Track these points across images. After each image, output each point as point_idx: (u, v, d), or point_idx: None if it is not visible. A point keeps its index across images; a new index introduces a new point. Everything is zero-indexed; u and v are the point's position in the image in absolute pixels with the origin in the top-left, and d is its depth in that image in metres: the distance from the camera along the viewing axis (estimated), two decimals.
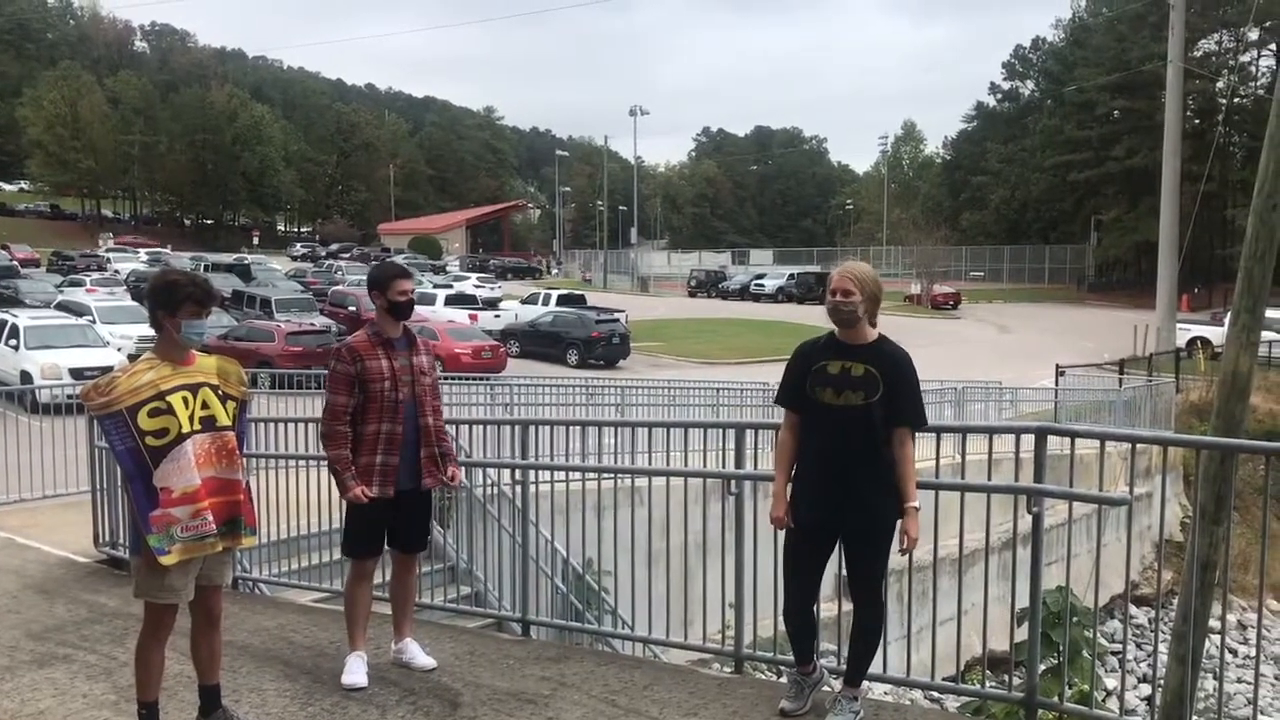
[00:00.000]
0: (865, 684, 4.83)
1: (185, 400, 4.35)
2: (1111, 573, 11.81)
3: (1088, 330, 47.86)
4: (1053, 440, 5.08)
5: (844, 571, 4.75)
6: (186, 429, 4.31)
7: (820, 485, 4.58)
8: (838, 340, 4.62)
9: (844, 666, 4.89)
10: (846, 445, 4.52)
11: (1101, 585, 5.71)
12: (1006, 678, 5.59)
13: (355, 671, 5.39)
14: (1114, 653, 15.67)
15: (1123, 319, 45.57)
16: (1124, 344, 36.18)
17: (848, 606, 4.81)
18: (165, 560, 4.28)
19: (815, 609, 4.85)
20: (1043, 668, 5.79)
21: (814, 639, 4.92)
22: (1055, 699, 5.25)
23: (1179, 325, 36.59)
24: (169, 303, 4.45)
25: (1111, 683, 13.16)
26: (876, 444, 4.52)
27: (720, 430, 6.11)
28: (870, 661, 4.77)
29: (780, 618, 4.98)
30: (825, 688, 4.93)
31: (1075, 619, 6.58)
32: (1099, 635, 11.49)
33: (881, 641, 4.72)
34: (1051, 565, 5.31)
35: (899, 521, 4.57)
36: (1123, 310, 55.07)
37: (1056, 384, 24.96)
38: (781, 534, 4.78)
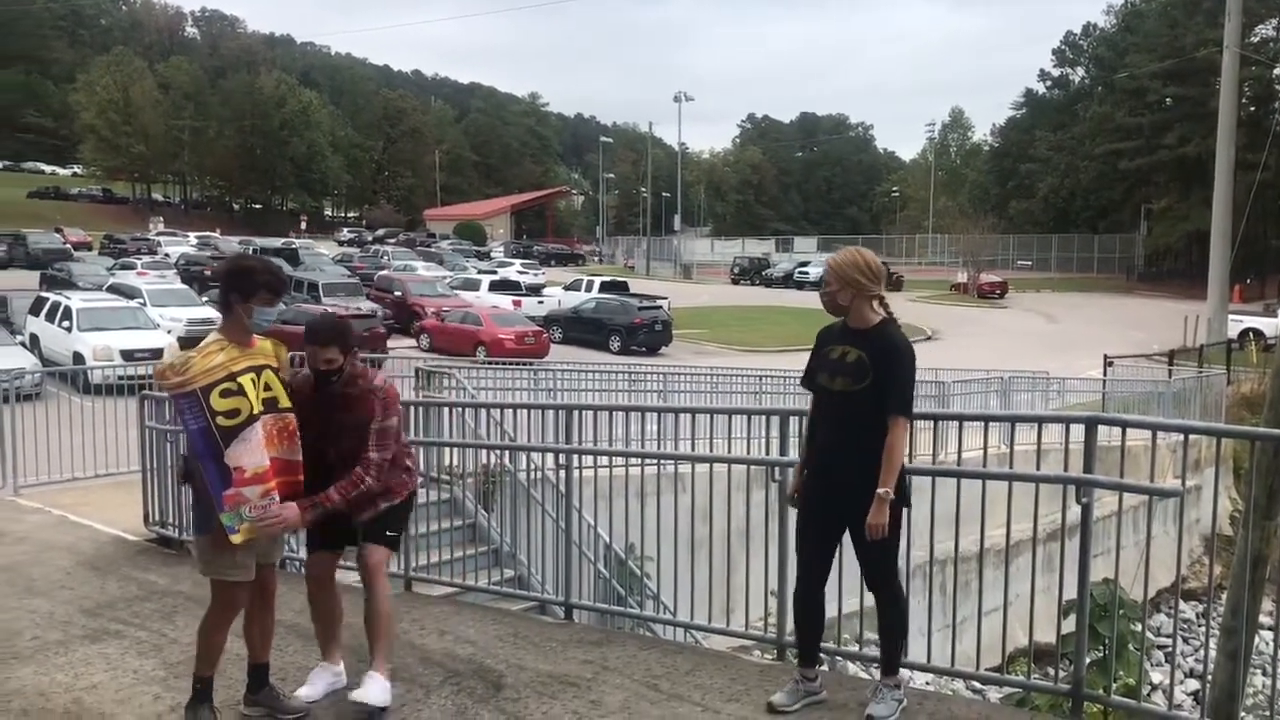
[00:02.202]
0: (906, 673, 4.80)
1: (253, 382, 4.42)
2: (1159, 566, 11.66)
3: (1137, 321, 47.19)
4: (1102, 431, 5.01)
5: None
6: (256, 410, 4.39)
7: (816, 469, 4.68)
8: (846, 325, 4.67)
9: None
10: (836, 430, 4.58)
11: (1149, 579, 5.63)
12: (1051, 669, 5.54)
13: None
14: (1161, 647, 15.49)
15: (1173, 309, 44.88)
16: (1174, 335, 35.63)
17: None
18: (234, 539, 4.35)
19: (823, 602, 4.82)
20: (1088, 660, 5.73)
21: (818, 636, 4.89)
22: (1101, 691, 5.19)
23: (1231, 316, 35.95)
24: (245, 288, 4.50)
25: (1158, 677, 13.02)
26: (861, 431, 4.49)
27: (763, 417, 6.09)
28: (900, 650, 4.76)
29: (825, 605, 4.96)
30: (821, 696, 4.88)
31: (1122, 612, 6.50)
32: (1147, 629, 11.36)
33: (926, 630, 4.69)
34: (1098, 557, 5.24)
35: (904, 510, 4.59)
36: (1173, 301, 54.20)
37: (1105, 375, 24.64)
38: None
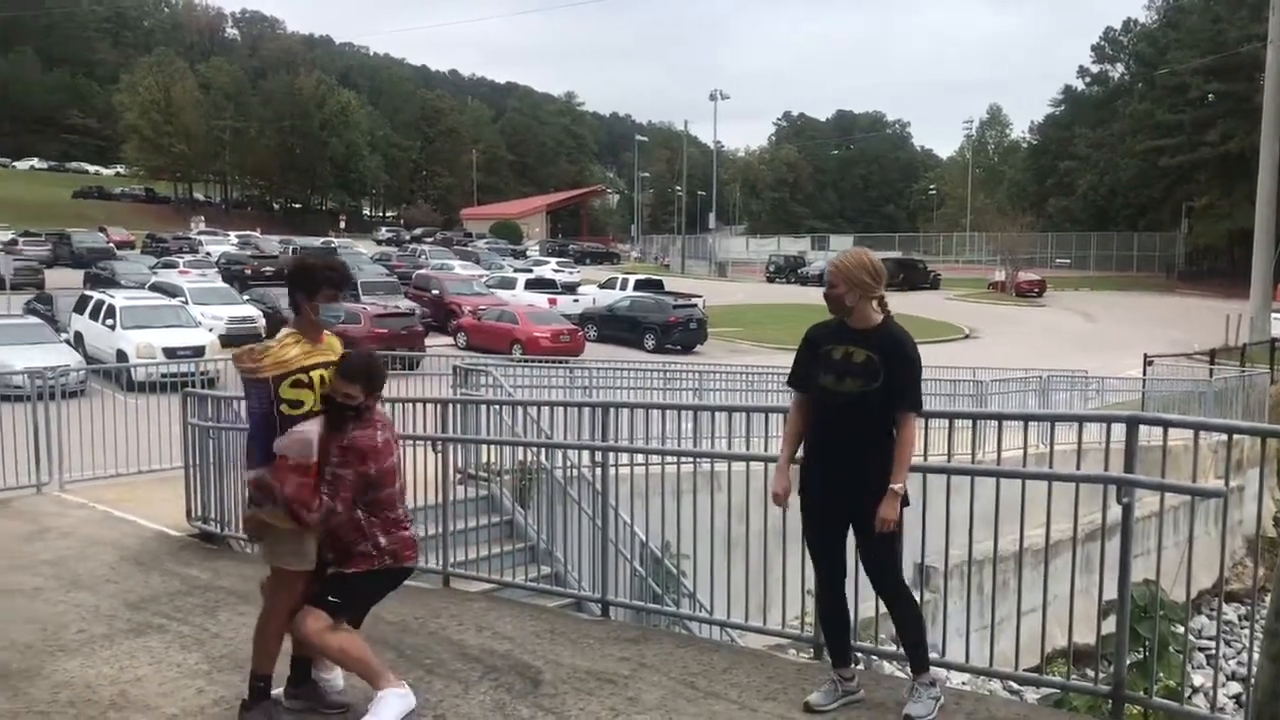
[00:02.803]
0: (943, 672, 4.79)
1: (321, 378, 4.54)
2: (1201, 567, 11.52)
3: (1177, 319, 46.61)
4: (1142, 430, 4.97)
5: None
6: (316, 406, 4.51)
7: (821, 469, 4.65)
8: (844, 325, 4.65)
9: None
10: (844, 431, 4.56)
11: (1191, 580, 5.57)
12: (1090, 670, 5.50)
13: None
14: (1203, 649, 15.32)
15: (1214, 308, 44.26)
16: (1215, 334, 35.15)
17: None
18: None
19: (845, 601, 4.84)
20: (1128, 662, 5.68)
21: (846, 635, 4.90)
22: (1142, 693, 5.15)
23: (1274, 315, 35.45)
24: (307, 286, 4.59)
25: (1200, 679, 12.88)
26: (875, 431, 4.52)
27: None
28: (924, 646, 4.73)
29: (859, 603, 4.96)
30: (859, 696, 4.86)
31: (1163, 613, 6.44)
32: (1188, 631, 11.23)
33: (964, 630, 4.67)
34: (1138, 558, 5.19)
35: (903, 508, 4.56)
36: (1215, 299, 53.44)
37: (1144, 374, 24.36)
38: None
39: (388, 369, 4.98)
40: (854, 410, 4.52)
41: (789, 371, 4.87)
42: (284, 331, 4.62)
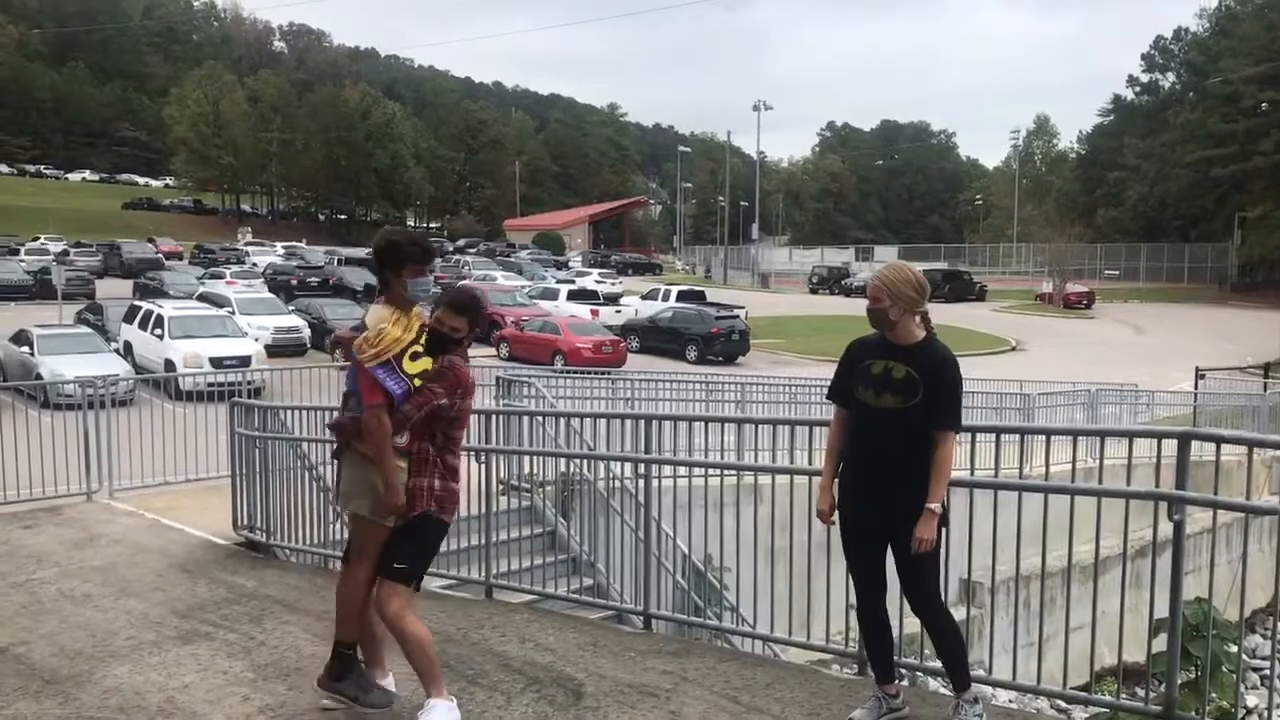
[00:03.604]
0: (988, 690, 4.73)
1: (423, 345, 4.71)
2: (1254, 586, 11.32)
3: (1230, 332, 45.88)
4: (1194, 445, 4.88)
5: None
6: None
7: (859, 485, 4.61)
8: (885, 340, 4.59)
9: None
10: (882, 447, 4.51)
11: (1245, 598, 5.46)
12: (1140, 690, 5.41)
13: None
14: (1257, 669, 15.03)
15: (1269, 320, 43.61)
16: (1269, 347, 34.61)
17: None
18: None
19: (887, 617, 4.79)
20: (1180, 681, 5.57)
21: (890, 651, 4.84)
22: (1194, 713, 5.05)
23: None
24: (394, 261, 4.71)
25: (1254, 700, 12.63)
26: (913, 447, 4.45)
27: None
28: (964, 664, 4.66)
29: (903, 619, 4.91)
30: (904, 713, 4.81)
31: (1216, 632, 6.32)
32: (1242, 650, 11.01)
33: (1011, 647, 4.61)
34: (1189, 575, 5.10)
35: (944, 529, 4.51)
36: (1269, 311, 52.61)
37: (1196, 388, 23.99)
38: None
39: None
40: (892, 426, 4.48)
41: (829, 385, 4.84)
42: (377, 311, 4.69)
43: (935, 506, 4.42)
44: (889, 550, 4.65)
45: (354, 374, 4.70)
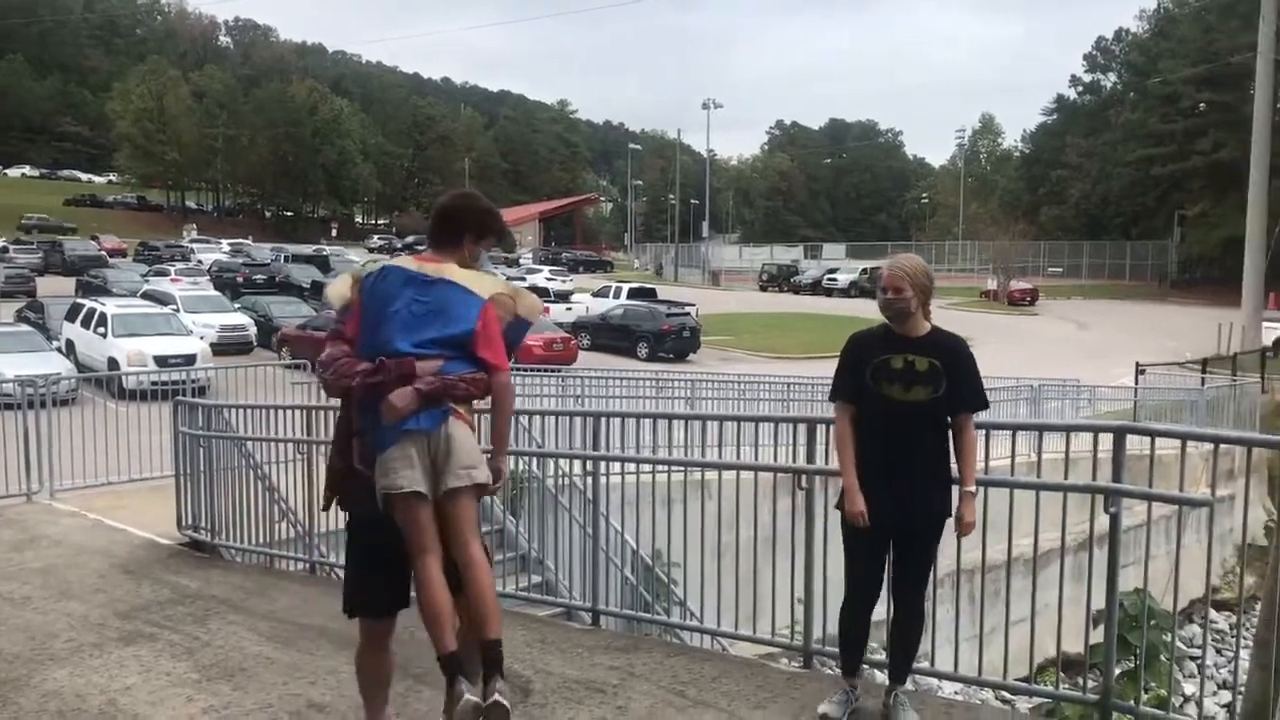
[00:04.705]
0: (933, 680, 4.80)
1: None
2: (1191, 576, 11.57)
3: (1170, 328, 46.75)
4: (1132, 440, 4.99)
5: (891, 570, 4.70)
6: None
7: (885, 482, 4.48)
8: (894, 333, 4.54)
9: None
10: (913, 441, 4.48)
11: (1180, 589, 5.59)
12: (1081, 680, 5.52)
13: None
14: (1193, 658, 15.34)
15: (1207, 317, 44.41)
16: (1208, 343, 35.28)
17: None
18: None
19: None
20: (1118, 671, 5.69)
21: (865, 648, 4.85)
22: (1131, 702, 5.17)
23: (1265, 323, 35.61)
24: (480, 229, 4.29)
25: (1190, 688, 12.90)
26: (940, 437, 4.51)
27: (790, 424, 6.08)
28: (914, 657, 4.76)
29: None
30: (862, 703, 4.85)
31: (1153, 622, 6.46)
32: (1178, 640, 11.24)
33: (954, 639, 4.69)
34: (1128, 567, 5.22)
35: (955, 509, 4.55)
36: (1207, 308, 53.59)
37: (1136, 383, 24.44)
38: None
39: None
40: (923, 418, 4.47)
41: (834, 383, 4.67)
42: (469, 272, 4.16)
43: (974, 488, 4.49)
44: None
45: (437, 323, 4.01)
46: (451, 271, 4.11)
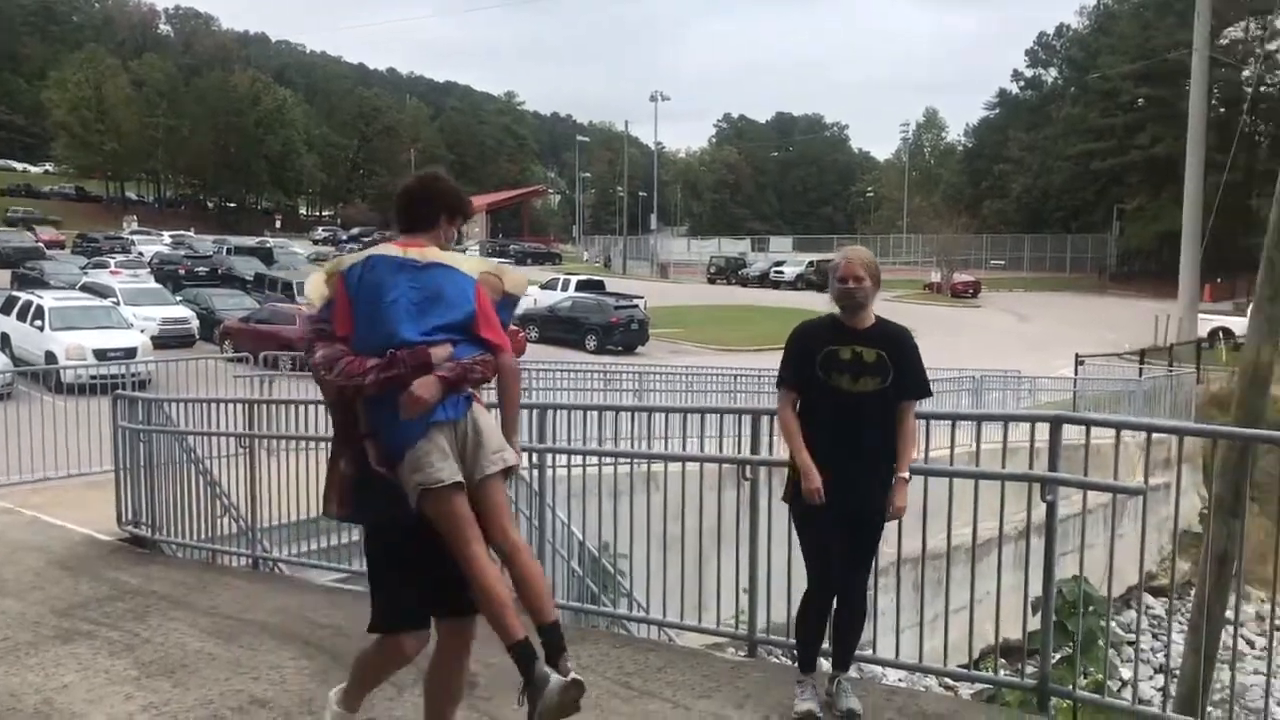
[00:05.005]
0: (876, 668, 4.86)
1: None
2: (1128, 563, 11.80)
3: (1109, 320, 47.56)
4: (1069, 429, 5.08)
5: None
6: None
7: (837, 470, 4.46)
8: (842, 324, 4.58)
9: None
10: (864, 431, 4.51)
11: (1117, 576, 5.71)
12: (1020, 666, 5.61)
13: None
14: (1130, 643, 15.65)
15: (1145, 309, 45.23)
16: (1145, 334, 35.94)
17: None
18: None
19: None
20: (1057, 656, 5.80)
21: (821, 642, 4.84)
22: (1069, 687, 5.27)
23: (1201, 315, 36.36)
24: (453, 209, 4.16)
25: (1127, 673, 13.17)
26: (888, 426, 4.56)
27: (736, 416, 6.14)
28: (857, 644, 4.84)
29: (794, 603, 4.99)
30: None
31: (1090, 608, 6.59)
32: (1115, 625, 11.46)
33: (895, 627, 4.75)
34: (1066, 555, 5.32)
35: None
36: (1145, 300, 54.58)
37: (1076, 373, 24.85)
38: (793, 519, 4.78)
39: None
40: (871, 408, 4.51)
41: (780, 372, 4.67)
42: (448, 253, 4.05)
43: (908, 475, 4.54)
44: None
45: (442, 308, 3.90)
46: (436, 254, 3.98)
